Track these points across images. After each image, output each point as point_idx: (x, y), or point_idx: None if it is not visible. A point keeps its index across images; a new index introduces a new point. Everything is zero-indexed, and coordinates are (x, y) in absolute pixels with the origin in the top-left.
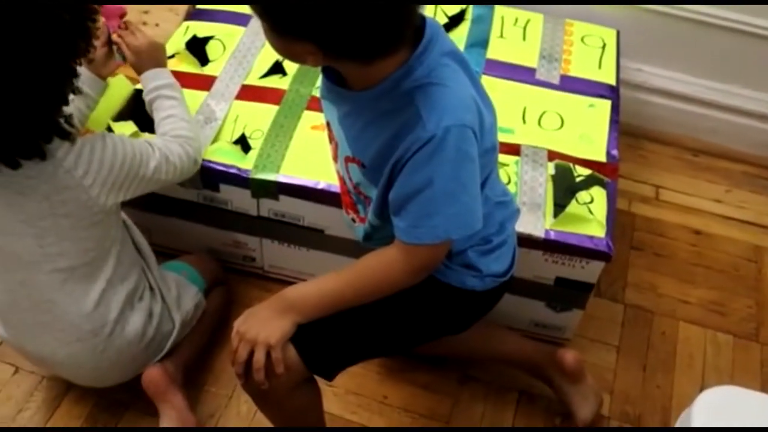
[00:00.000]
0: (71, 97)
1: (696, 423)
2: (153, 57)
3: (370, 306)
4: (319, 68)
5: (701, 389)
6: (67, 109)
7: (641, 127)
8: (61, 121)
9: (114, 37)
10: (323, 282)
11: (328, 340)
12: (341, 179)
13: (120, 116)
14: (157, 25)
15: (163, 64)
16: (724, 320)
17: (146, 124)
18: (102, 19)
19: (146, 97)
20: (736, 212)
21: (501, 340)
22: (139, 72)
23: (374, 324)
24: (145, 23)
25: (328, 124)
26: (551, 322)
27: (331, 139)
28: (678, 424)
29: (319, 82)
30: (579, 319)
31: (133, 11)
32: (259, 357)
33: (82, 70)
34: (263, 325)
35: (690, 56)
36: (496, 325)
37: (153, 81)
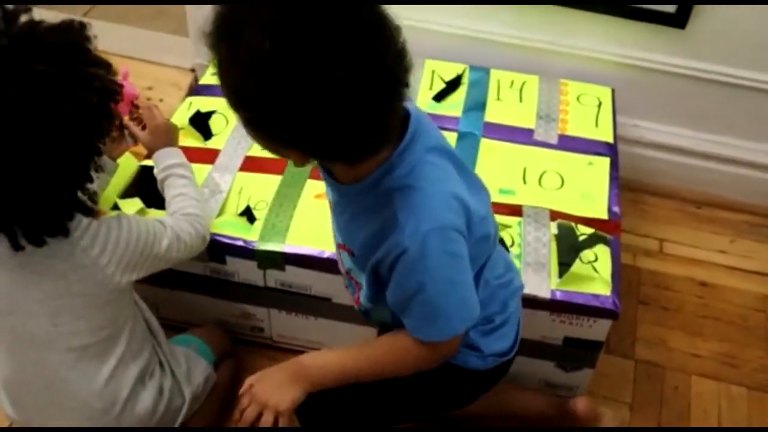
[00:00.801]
0: (94, 175)
1: None
2: (167, 136)
3: (374, 382)
4: None
5: None
6: (90, 187)
7: (641, 182)
8: (85, 198)
9: (125, 120)
10: (341, 356)
11: (330, 413)
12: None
13: (126, 193)
14: (161, 100)
15: (175, 144)
16: (736, 372)
17: (152, 200)
18: None
19: (158, 176)
20: (741, 262)
21: (512, 397)
22: (152, 151)
23: (376, 399)
24: (149, 98)
25: (330, 205)
26: (562, 382)
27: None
28: None
29: None
30: (590, 378)
31: (137, 88)
32: (268, 421)
33: None
34: (275, 390)
35: (685, 110)
36: (507, 382)
37: (166, 160)
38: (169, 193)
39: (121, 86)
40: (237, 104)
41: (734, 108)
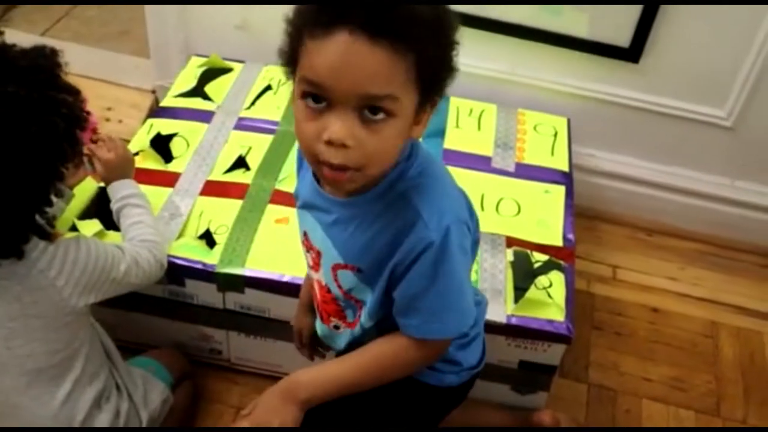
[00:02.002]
0: (54, 199)
1: None
2: (122, 169)
3: (348, 401)
4: (284, 163)
5: None
6: (49, 211)
7: (595, 209)
8: (43, 222)
9: (85, 149)
10: (335, 368)
11: (306, 426)
12: (323, 288)
13: (85, 214)
14: (120, 121)
15: (130, 176)
16: (685, 396)
17: (111, 222)
18: None
19: (114, 206)
20: (691, 289)
21: (475, 412)
22: (107, 183)
23: (349, 418)
24: (108, 119)
25: (305, 233)
26: (518, 405)
27: (310, 248)
28: None
29: (282, 175)
30: (545, 401)
31: (96, 108)
32: None
33: None
34: (275, 415)
35: (638, 141)
36: (468, 399)
37: (121, 191)
38: (125, 222)
39: (88, 113)
40: (419, 71)
41: (685, 140)
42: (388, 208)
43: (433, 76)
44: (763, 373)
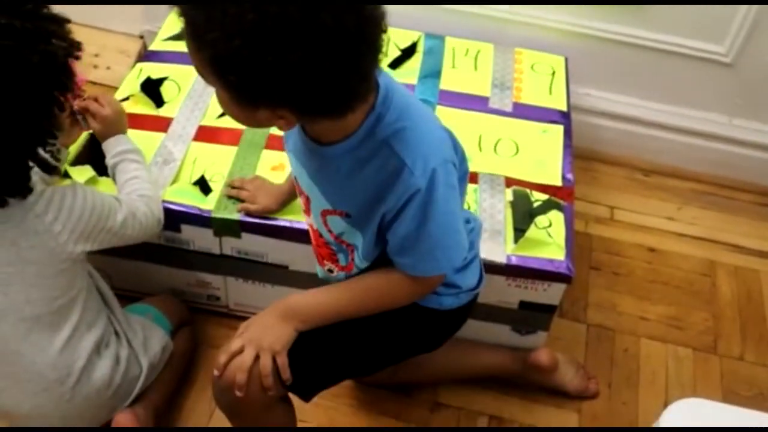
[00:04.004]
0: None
1: None
2: (117, 125)
3: (350, 329)
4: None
5: (665, 403)
6: (53, 143)
7: (593, 150)
8: (47, 156)
9: (77, 106)
10: (328, 294)
11: (308, 360)
12: (315, 232)
13: (77, 161)
14: (108, 68)
15: (125, 131)
16: (683, 335)
17: (103, 169)
18: None
19: (110, 161)
20: (688, 229)
21: (475, 353)
22: (103, 138)
23: (353, 346)
24: (96, 66)
25: (295, 177)
26: (517, 345)
27: (300, 192)
28: None
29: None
30: (544, 341)
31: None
32: (267, 362)
33: None
34: (267, 332)
35: (636, 80)
36: (466, 341)
37: (117, 146)
38: (121, 178)
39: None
40: (221, 70)
41: (683, 78)
42: (371, 156)
43: (239, 79)
44: (759, 310)
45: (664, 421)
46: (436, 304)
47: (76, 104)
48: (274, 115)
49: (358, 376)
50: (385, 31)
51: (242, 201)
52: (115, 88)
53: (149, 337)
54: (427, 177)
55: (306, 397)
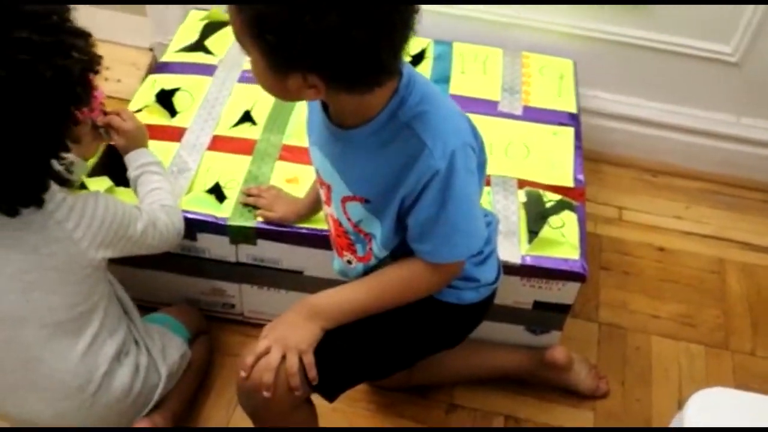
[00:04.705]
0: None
1: (689, 425)
2: (139, 139)
3: (373, 326)
4: (290, 116)
5: (679, 399)
6: (67, 156)
7: (600, 152)
8: (61, 168)
9: (100, 121)
10: (351, 290)
11: (332, 359)
12: (335, 222)
13: (94, 172)
14: (119, 80)
15: (146, 144)
16: (694, 332)
17: (121, 179)
18: None
19: (131, 174)
20: (696, 227)
21: (490, 353)
22: (125, 152)
23: (376, 344)
24: (106, 79)
25: (317, 171)
26: (532, 345)
27: (322, 184)
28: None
29: (289, 130)
30: (558, 340)
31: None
32: (293, 362)
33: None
34: (293, 332)
35: (643, 81)
36: (482, 341)
37: (139, 159)
38: (143, 189)
39: (95, 87)
40: (259, 31)
41: (690, 78)
42: (392, 138)
43: (278, 39)
44: None
45: (688, 412)
46: (456, 298)
47: (99, 120)
48: (304, 84)
49: (382, 373)
50: (417, 12)
51: (258, 209)
52: (127, 101)
53: (167, 346)
54: (446, 159)
55: (331, 398)
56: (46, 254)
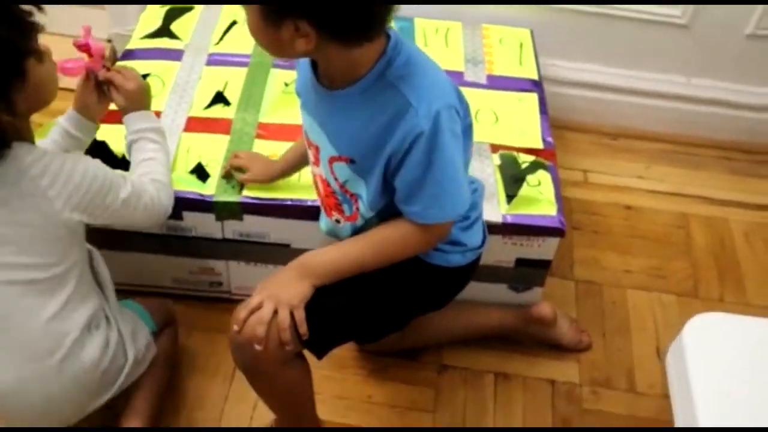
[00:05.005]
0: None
1: (688, 349)
2: (141, 99)
3: (362, 286)
4: (263, 94)
5: (657, 346)
6: (4, 117)
7: (561, 119)
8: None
9: (102, 76)
10: (341, 249)
11: (322, 317)
12: (324, 182)
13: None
14: None
15: (148, 107)
16: (665, 283)
17: (105, 159)
18: (84, 59)
19: (128, 137)
20: (658, 186)
21: (477, 312)
22: (125, 113)
23: (365, 303)
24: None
25: (305, 132)
26: (514, 303)
27: (310, 145)
28: (669, 355)
29: (264, 108)
30: (539, 297)
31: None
32: (285, 316)
33: (74, 114)
34: (285, 288)
35: (598, 48)
36: (467, 302)
37: (137, 123)
38: (137, 157)
39: (87, 44)
40: None
41: (643, 42)
42: (378, 98)
43: None
44: (733, 255)
45: (685, 337)
46: (443, 261)
47: (101, 74)
48: (297, 34)
49: (371, 333)
50: None
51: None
52: None
53: (137, 331)
54: (431, 119)
55: (319, 354)
56: (17, 208)
